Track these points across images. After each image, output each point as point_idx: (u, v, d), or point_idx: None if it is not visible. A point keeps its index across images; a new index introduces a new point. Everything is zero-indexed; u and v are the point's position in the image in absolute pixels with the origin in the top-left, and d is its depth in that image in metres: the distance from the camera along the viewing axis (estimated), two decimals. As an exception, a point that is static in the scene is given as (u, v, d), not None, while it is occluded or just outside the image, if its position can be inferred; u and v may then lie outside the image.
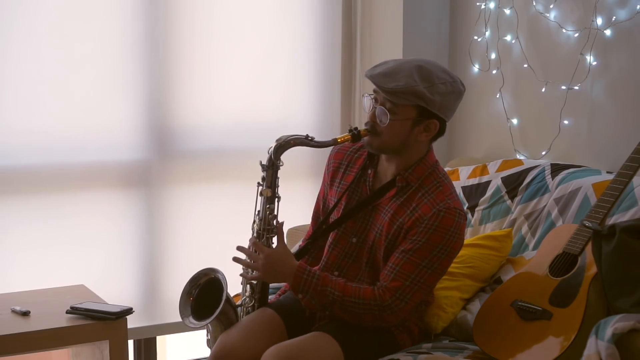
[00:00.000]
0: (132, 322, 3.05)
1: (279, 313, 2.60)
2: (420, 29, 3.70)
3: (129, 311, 2.95)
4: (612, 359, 2.18)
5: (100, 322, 2.90)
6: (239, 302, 2.67)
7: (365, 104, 2.58)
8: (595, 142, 3.20)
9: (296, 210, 3.29)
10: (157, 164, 3.57)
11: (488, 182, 3.23)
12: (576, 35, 3.21)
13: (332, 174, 2.72)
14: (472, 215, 3.21)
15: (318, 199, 2.80)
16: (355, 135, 2.55)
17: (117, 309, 2.93)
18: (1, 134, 3.29)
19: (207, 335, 2.68)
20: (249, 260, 2.55)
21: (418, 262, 2.45)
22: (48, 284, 3.31)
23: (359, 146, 2.67)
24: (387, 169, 2.60)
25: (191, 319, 2.57)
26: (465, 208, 3.23)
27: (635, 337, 2.20)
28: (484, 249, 2.92)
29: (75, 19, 3.36)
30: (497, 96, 3.51)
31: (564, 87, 3.25)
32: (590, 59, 3.15)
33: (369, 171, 2.63)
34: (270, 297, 2.72)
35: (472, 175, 3.30)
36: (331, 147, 2.68)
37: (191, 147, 3.62)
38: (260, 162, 2.59)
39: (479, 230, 3.17)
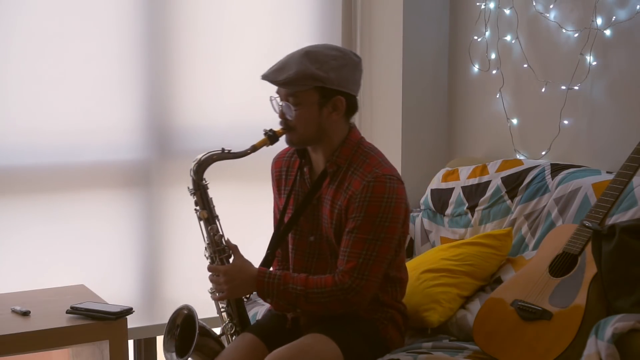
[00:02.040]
0: (132, 322, 3.05)
1: (258, 335, 2.62)
2: (420, 29, 3.69)
3: (129, 311, 2.95)
4: (612, 359, 2.18)
5: (100, 322, 2.89)
6: (218, 330, 2.67)
7: (274, 106, 2.60)
8: (595, 142, 3.20)
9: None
10: (157, 164, 3.57)
11: (488, 182, 3.23)
12: (576, 35, 3.20)
13: (277, 184, 2.75)
14: (472, 215, 3.21)
15: (274, 212, 2.81)
16: (271, 136, 2.58)
17: (117, 309, 2.93)
18: (1, 134, 3.29)
19: None
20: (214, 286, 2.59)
21: (364, 237, 2.47)
22: (48, 284, 3.31)
23: (293, 149, 2.69)
24: (318, 160, 2.62)
25: (174, 355, 2.59)
26: (465, 208, 3.24)
27: (635, 337, 2.20)
28: (483, 248, 2.92)
29: (76, 18, 3.36)
30: (497, 96, 3.51)
31: (563, 87, 3.25)
32: (590, 59, 3.15)
33: (305, 169, 2.65)
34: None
35: (472, 175, 3.30)
36: (272, 158, 2.74)
37: (191, 147, 3.62)
38: (188, 188, 2.62)
39: (478, 230, 3.17)
